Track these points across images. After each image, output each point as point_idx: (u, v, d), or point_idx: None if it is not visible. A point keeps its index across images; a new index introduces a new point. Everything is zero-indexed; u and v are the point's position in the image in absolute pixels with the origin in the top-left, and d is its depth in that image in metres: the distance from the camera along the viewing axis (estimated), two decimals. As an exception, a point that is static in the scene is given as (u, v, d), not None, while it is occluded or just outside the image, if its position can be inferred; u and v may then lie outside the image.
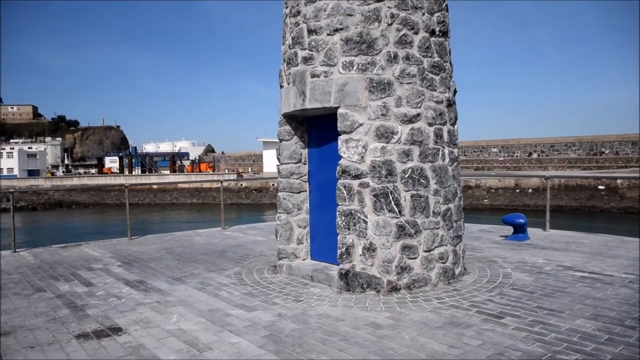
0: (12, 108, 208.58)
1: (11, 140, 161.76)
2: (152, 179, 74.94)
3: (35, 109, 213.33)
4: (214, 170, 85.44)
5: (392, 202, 6.31)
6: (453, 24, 7.50)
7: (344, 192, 6.45)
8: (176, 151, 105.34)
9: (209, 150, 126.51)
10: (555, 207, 32.01)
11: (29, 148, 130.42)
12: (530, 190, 41.66)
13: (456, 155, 7.25)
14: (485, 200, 42.95)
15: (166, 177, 75.96)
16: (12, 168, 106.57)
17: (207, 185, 62.50)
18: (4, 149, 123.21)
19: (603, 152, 51.53)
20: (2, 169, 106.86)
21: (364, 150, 6.35)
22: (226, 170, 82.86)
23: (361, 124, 6.38)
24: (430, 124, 6.64)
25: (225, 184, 18.76)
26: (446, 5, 7.24)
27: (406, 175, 6.41)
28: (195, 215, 47.35)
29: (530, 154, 56.80)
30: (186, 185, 63.26)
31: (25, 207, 63.73)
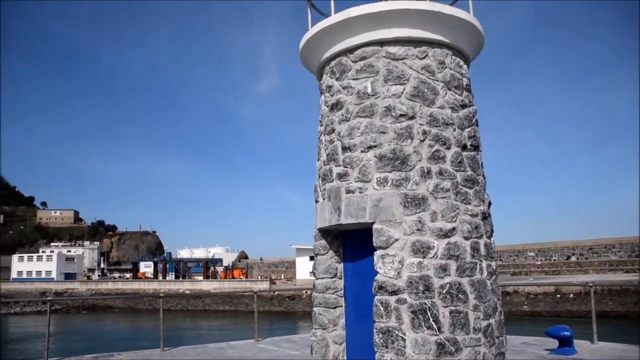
0: (55, 212, 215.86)
1: (52, 244, 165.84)
2: (185, 285, 74.90)
3: (76, 213, 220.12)
4: (247, 277, 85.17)
5: (431, 319, 6.14)
6: (482, 133, 7.65)
7: (381, 308, 6.33)
8: (210, 257, 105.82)
9: (243, 256, 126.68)
10: (600, 313, 30.46)
11: (68, 251, 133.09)
12: (571, 295, 40.04)
13: (494, 268, 7.11)
14: (525, 307, 41.29)
15: (199, 283, 75.84)
16: (51, 271, 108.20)
17: (240, 291, 62.05)
18: (44, 251, 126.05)
19: (646, 254, 49.73)
20: (40, 271, 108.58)
21: (400, 266, 6.30)
22: (259, 277, 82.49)
23: (397, 239, 6.38)
24: (466, 238, 6.59)
25: (257, 290, 18.63)
26: (476, 120, 7.44)
27: (444, 291, 6.28)
28: (227, 323, 46.59)
29: (569, 257, 55.22)
30: (219, 292, 62.87)
31: (60, 310, 64.02)
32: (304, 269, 71.97)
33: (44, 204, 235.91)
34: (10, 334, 43.48)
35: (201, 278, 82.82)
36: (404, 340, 6.14)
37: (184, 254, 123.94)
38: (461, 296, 6.35)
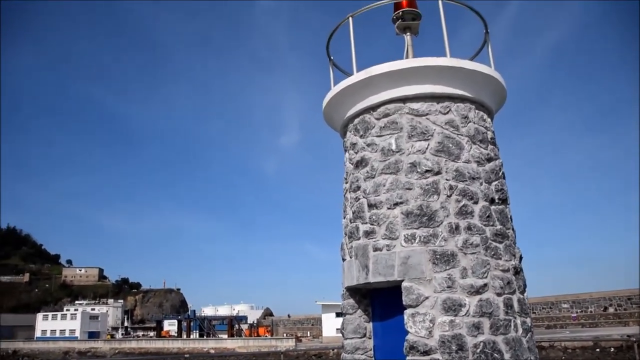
0: (80, 270, 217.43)
1: (76, 302, 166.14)
2: (209, 344, 73.82)
3: (101, 271, 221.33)
4: (272, 335, 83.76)
5: (465, 381, 5.90)
6: (508, 184, 7.55)
7: (413, 370, 6.12)
8: (234, 315, 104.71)
9: (268, 313, 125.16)
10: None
11: (92, 310, 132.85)
12: (612, 349, 38.37)
13: (529, 325, 6.87)
14: (563, 362, 39.65)
15: (224, 341, 74.76)
16: (74, 330, 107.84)
17: (265, 349, 60.93)
18: (68, 310, 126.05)
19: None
20: (64, 330, 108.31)
21: (431, 325, 6.13)
22: (285, 335, 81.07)
23: (427, 297, 6.23)
24: (498, 294, 6.41)
25: (283, 349, 18.22)
26: (503, 173, 7.38)
27: (478, 350, 6.06)
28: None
29: (606, 308, 53.25)
30: (244, 350, 61.78)
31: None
32: (330, 325, 70.57)
33: (69, 261, 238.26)
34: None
35: (226, 336, 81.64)
36: (438, 404, 5.89)
37: (208, 311, 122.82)
38: (496, 355, 6.12)
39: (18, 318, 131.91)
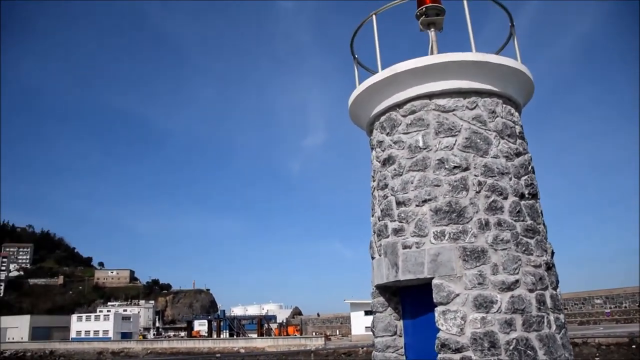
0: (112, 272, 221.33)
1: (108, 303, 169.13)
2: (239, 343, 74.40)
3: (132, 273, 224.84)
4: (301, 334, 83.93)
5: (499, 379, 5.84)
6: (538, 178, 7.44)
7: (445, 367, 6.08)
8: (263, 314, 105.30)
9: (296, 312, 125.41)
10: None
11: (124, 311, 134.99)
12: (648, 346, 37.45)
13: (563, 321, 6.76)
14: (597, 359, 38.89)
15: (254, 340, 75.28)
16: (108, 330, 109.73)
17: (294, 348, 61.13)
18: (101, 311, 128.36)
19: None
20: (98, 331, 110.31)
21: (462, 322, 6.09)
22: (314, 333, 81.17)
23: (458, 294, 6.19)
24: (530, 290, 6.33)
25: (313, 347, 18.26)
26: (532, 168, 7.28)
27: (511, 347, 6.00)
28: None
29: (642, 303, 51.96)
30: (273, 349, 62.09)
31: (117, 371, 64.47)
32: (359, 324, 70.43)
33: (101, 264, 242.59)
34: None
35: (255, 335, 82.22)
36: (471, 401, 5.85)
37: (237, 311, 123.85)
38: (530, 352, 6.04)
39: (54, 319, 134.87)
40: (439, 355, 6.18)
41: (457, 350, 6.04)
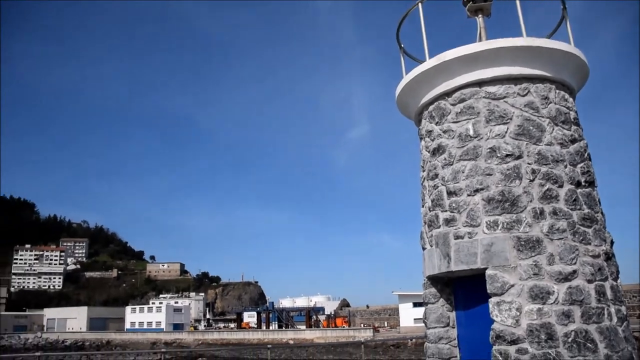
0: (163, 265, 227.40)
1: (160, 295, 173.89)
2: (288, 335, 75.19)
3: (182, 266, 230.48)
4: (349, 325, 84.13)
5: (557, 371, 5.70)
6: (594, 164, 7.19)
7: (500, 359, 5.97)
8: (312, 306, 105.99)
9: (344, 304, 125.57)
10: None
11: (175, 303, 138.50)
12: None
13: (624, 313, 6.53)
14: None
15: (302, 332, 75.94)
16: (160, 322, 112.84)
17: (343, 340, 61.40)
18: (154, 303, 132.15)
19: None
20: (151, 322, 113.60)
21: (518, 313, 5.96)
22: (362, 325, 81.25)
23: (512, 285, 6.06)
24: (589, 281, 6.14)
25: (362, 339, 18.27)
26: (588, 155, 7.04)
27: (569, 339, 5.84)
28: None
29: None
30: (322, 341, 62.47)
31: None
32: (407, 315, 70.10)
33: (152, 257, 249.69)
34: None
35: (304, 327, 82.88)
36: (528, 394, 5.73)
37: (285, 303, 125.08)
38: (590, 345, 5.87)
39: (109, 311, 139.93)
40: (494, 347, 6.08)
41: (513, 342, 5.93)
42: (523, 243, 6.14)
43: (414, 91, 7.58)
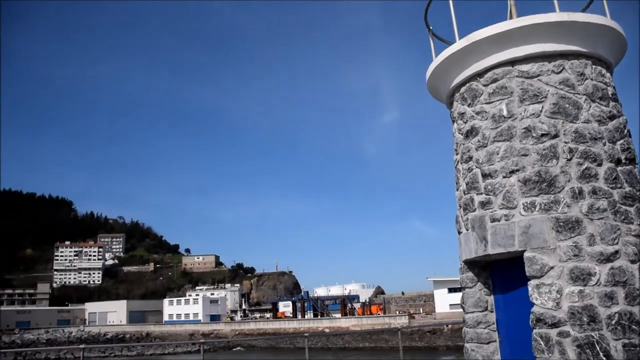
0: (198, 258, 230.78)
1: (196, 287, 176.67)
2: (324, 323, 75.67)
3: (217, 258, 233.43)
4: (384, 313, 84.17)
5: (601, 354, 5.57)
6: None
7: (541, 342, 5.87)
8: (346, 294, 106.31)
9: (379, 292, 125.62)
10: None
11: (211, 294, 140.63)
12: None
13: (670, 295, 6.33)
14: None
15: (337, 320, 76.31)
16: (197, 313, 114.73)
17: (378, 327, 61.46)
18: (190, 295, 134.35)
19: None
20: (189, 314, 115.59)
21: (558, 296, 5.83)
22: (397, 312, 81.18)
23: (552, 267, 5.93)
24: (632, 262, 5.96)
25: (398, 326, 18.20)
26: (628, 131, 6.81)
27: (613, 322, 5.69)
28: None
29: None
30: (358, 329, 62.68)
31: (207, 350, 67.44)
32: (442, 301, 69.78)
33: (187, 250, 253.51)
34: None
35: (339, 315, 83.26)
36: (571, 377, 5.62)
37: (320, 292, 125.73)
38: (635, 327, 5.71)
39: (147, 304, 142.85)
40: (535, 330, 5.97)
41: (554, 325, 5.81)
42: (562, 224, 5.99)
43: (444, 73, 7.45)
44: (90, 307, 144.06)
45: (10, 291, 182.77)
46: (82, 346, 11.23)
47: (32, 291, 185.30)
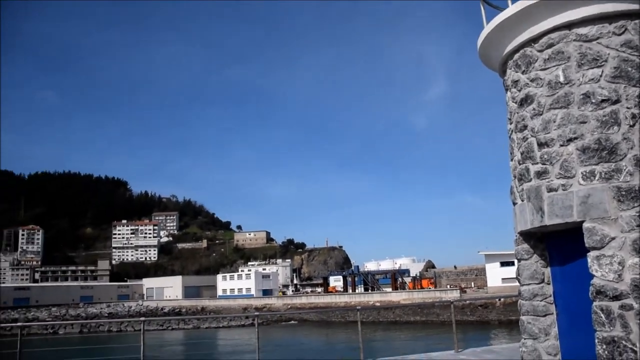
0: (250, 234, 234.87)
1: (249, 263, 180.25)
2: (374, 297, 76.06)
3: (268, 234, 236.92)
4: (435, 287, 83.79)
5: (666, 327, 5.36)
6: None
7: (602, 315, 5.70)
8: (397, 268, 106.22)
9: (430, 266, 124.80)
10: None
11: (263, 269, 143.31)
12: None
13: None
14: None
15: (388, 294, 76.54)
16: (250, 288, 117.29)
17: (429, 301, 61.27)
18: (243, 270, 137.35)
19: None
20: (242, 289, 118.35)
21: (620, 267, 5.63)
22: (448, 286, 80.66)
23: (613, 238, 5.71)
24: (700, 231, 5.68)
25: (451, 299, 18.08)
26: (695, 93, 6.42)
27: (679, 294, 5.46)
28: (421, 335, 46.19)
29: None
30: (409, 302, 62.70)
31: (261, 324, 68.88)
32: (494, 275, 68.81)
33: (239, 227, 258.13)
34: (222, 346, 47.79)
35: (389, 289, 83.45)
36: (634, 352, 5.43)
37: (370, 266, 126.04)
38: (702, 299, 5.46)
39: (201, 279, 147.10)
40: (595, 303, 5.80)
41: (616, 298, 5.62)
42: (624, 193, 5.75)
43: (497, 40, 7.20)
44: (148, 282, 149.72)
45: (73, 268, 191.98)
46: (142, 319, 11.67)
47: (93, 268, 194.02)
